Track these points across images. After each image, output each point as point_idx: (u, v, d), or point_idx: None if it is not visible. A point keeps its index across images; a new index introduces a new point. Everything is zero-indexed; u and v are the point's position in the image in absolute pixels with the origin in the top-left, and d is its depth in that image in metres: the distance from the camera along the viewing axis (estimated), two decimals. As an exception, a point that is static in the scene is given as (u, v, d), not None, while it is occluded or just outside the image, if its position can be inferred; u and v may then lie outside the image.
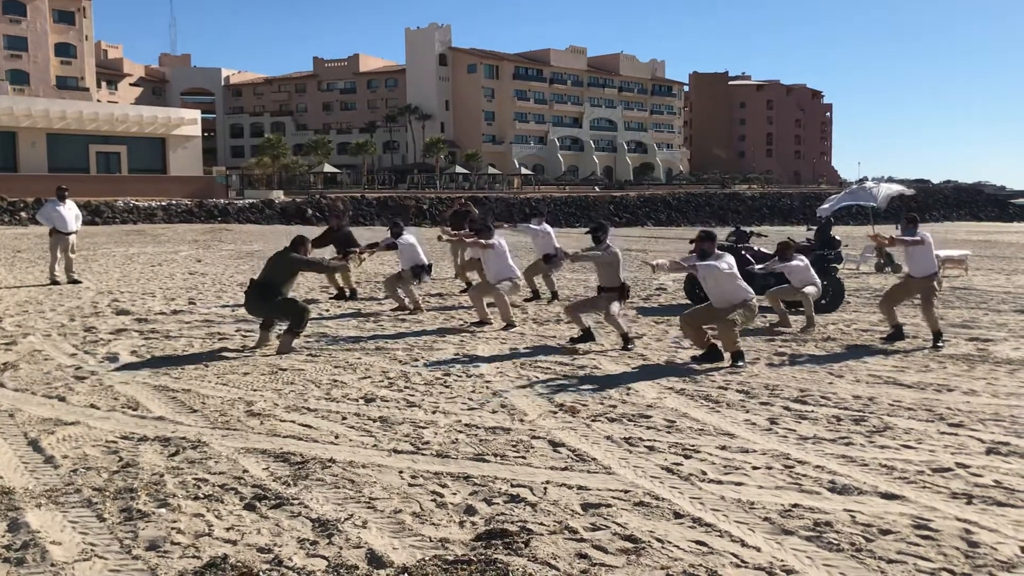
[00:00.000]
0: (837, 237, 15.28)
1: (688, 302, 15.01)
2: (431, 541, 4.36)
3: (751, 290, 9.45)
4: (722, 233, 16.22)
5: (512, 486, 5.18)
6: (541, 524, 4.57)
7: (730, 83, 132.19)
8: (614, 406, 7.24)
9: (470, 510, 4.78)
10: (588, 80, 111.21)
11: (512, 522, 4.60)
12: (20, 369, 8.68)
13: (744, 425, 6.63)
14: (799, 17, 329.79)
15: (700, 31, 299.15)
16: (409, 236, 13.56)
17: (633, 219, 72.73)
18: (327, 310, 13.61)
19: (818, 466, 5.59)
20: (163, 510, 4.76)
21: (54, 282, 17.18)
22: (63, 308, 13.39)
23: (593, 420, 6.77)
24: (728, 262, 9.18)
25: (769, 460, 5.72)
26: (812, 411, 7.12)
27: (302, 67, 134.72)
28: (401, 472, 5.42)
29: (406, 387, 7.93)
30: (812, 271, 12.44)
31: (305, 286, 16.98)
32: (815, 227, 16.02)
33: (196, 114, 69.94)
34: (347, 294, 15.14)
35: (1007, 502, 4.93)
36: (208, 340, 10.56)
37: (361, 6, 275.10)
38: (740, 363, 9.19)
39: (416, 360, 9.32)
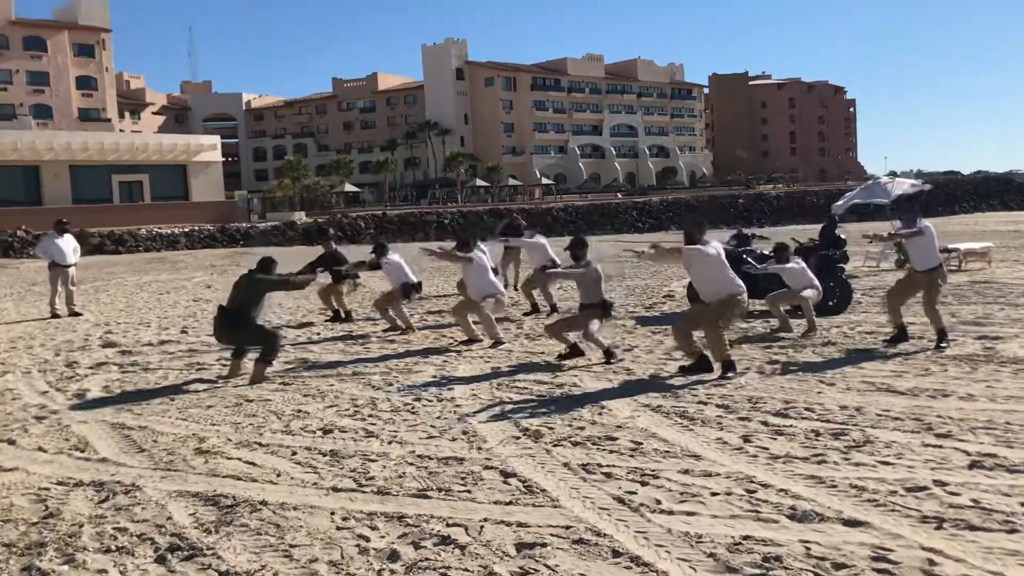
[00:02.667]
0: (843, 236, 14.79)
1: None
2: (339, 594, 4.02)
3: (742, 284, 8.99)
4: (724, 235, 15.79)
5: (447, 525, 4.82)
6: (465, 571, 4.21)
7: (750, 83, 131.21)
8: (582, 428, 6.87)
9: (393, 556, 4.43)
10: (606, 87, 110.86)
11: (435, 568, 4.25)
12: (-16, 410, 8.45)
13: (714, 445, 6.22)
14: (818, 13, 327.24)
15: (718, 33, 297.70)
16: (394, 255, 13.29)
17: (657, 224, 72.07)
18: (318, 333, 13.34)
19: (782, 490, 5.17)
20: (66, 567, 4.45)
21: (55, 315, 17.08)
22: (53, 343, 13.23)
23: (555, 445, 6.40)
24: (715, 247, 8.75)
25: (731, 485, 5.32)
26: (791, 426, 6.70)
27: (321, 88, 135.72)
28: (333, 513, 5.08)
29: (370, 415, 7.60)
30: (810, 274, 12.00)
31: (304, 308, 16.75)
32: (834, 225, 15.45)
33: (216, 139, 70.46)
34: (342, 316, 14.87)
35: (981, 525, 4.49)
36: (185, 371, 10.31)
37: (378, 25, 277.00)
38: (730, 374, 8.76)
39: (390, 385, 8.99)
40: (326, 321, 14.79)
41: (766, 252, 13.99)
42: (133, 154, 64.31)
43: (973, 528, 4.46)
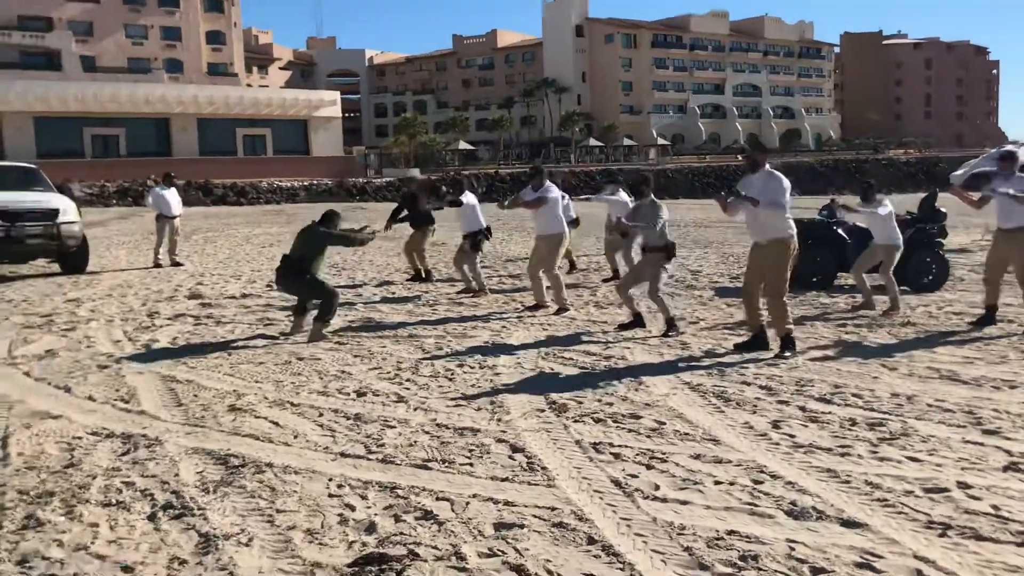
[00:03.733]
0: (943, 209, 13.97)
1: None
2: (302, 564, 4.04)
3: (793, 226, 8.47)
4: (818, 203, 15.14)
5: (436, 499, 4.79)
6: (434, 548, 4.17)
7: (885, 43, 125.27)
8: (610, 404, 6.71)
9: (371, 528, 4.43)
10: (730, 45, 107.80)
11: (405, 543, 4.22)
12: (57, 357, 8.87)
13: (739, 429, 5.98)
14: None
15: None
16: (471, 196, 13.25)
17: (777, 188, 70.03)
18: (393, 293, 13.49)
19: (790, 483, 4.93)
20: (63, 519, 4.62)
21: (157, 265, 17.84)
22: (146, 292, 13.80)
23: (576, 420, 6.27)
24: (783, 184, 8.23)
25: (738, 474, 5.09)
26: (830, 412, 6.37)
27: (442, 45, 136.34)
28: (331, 480, 5.12)
29: (408, 380, 7.62)
30: (894, 222, 11.26)
31: (393, 266, 16.97)
32: (935, 196, 14.63)
33: (336, 95, 71.84)
34: (422, 275, 14.98)
35: (989, 535, 4.16)
36: (254, 326, 10.58)
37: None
38: (787, 352, 8.41)
39: (440, 349, 9.00)
40: (407, 280, 14.95)
41: (859, 224, 13.35)
42: (257, 108, 66.19)
43: (979, 538, 4.14)
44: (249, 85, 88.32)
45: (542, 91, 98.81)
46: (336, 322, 10.72)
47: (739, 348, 8.77)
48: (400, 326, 10.40)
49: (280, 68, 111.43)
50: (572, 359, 8.42)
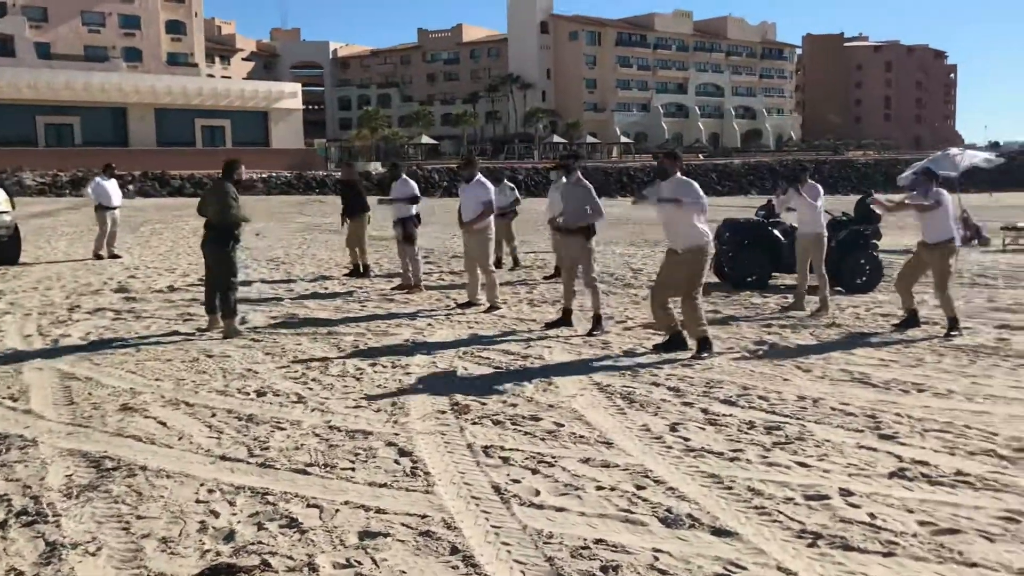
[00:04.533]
0: (878, 211, 14.00)
1: (715, 280, 14.12)
2: (146, 575, 3.86)
3: (709, 234, 8.42)
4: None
5: (306, 506, 4.63)
6: (288, 558, 4.01)
7: (846, 45, 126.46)
8: (514, 405, 6.58)
9: (230, 536, 4.26)
10: (694, 45, 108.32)
11: (260, 553, 4.05)
12: (-41, 353, 8.58)
13: (636, 432, 5.88)
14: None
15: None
16: (406, 178, 13.04)
17: (736, 187, 70.49)
18: (326, 288, 13.28)
19: (672, 488, 4.82)
20: (-91, 525, 4.40)
21: (98, 257, 17.44)
22: (73, 285, 13.46)
23: (474, 422, 6.13)
24: (694, 190, 8.17)
25: (623, 479, 4.98)
26: (730, 415, 6.29)
27: (407, 38, 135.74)
28: (203, 484, 4.93)
29: (314, 379, 7.44)
30: (820, 208, 11.20)
31: (334, 260, 16.72)
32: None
33: (297, 87, 71.13)
34: (360, 271, 14.77)
35: (858, 545, 4.08)
36: (173, 322, 10.33)
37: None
38: (704, 353, 8.34)
39: (356, 347, 8.83)
40: (344, 276, 14.73)
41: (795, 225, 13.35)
42: (216, 99, 65.37)
43: (847, 548, 4.05)
44: (211, 76, 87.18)
45: (507, 87, 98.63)
46: (258, 318, 10.53)
47: (658, 349, 8.68)
48: (323, 323, 10.20)
49: (243, 59, 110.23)
50: (489, 358, 8.29)
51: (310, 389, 7.11)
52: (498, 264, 15.91)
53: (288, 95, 68.93)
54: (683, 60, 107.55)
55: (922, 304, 10.76)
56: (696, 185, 8.34)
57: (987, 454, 5.42)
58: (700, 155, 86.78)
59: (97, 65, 69.61)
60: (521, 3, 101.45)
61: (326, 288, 13.26)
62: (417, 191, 12.99)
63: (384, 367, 7.91)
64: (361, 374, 7.64)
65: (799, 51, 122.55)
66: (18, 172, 49.46)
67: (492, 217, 11.22)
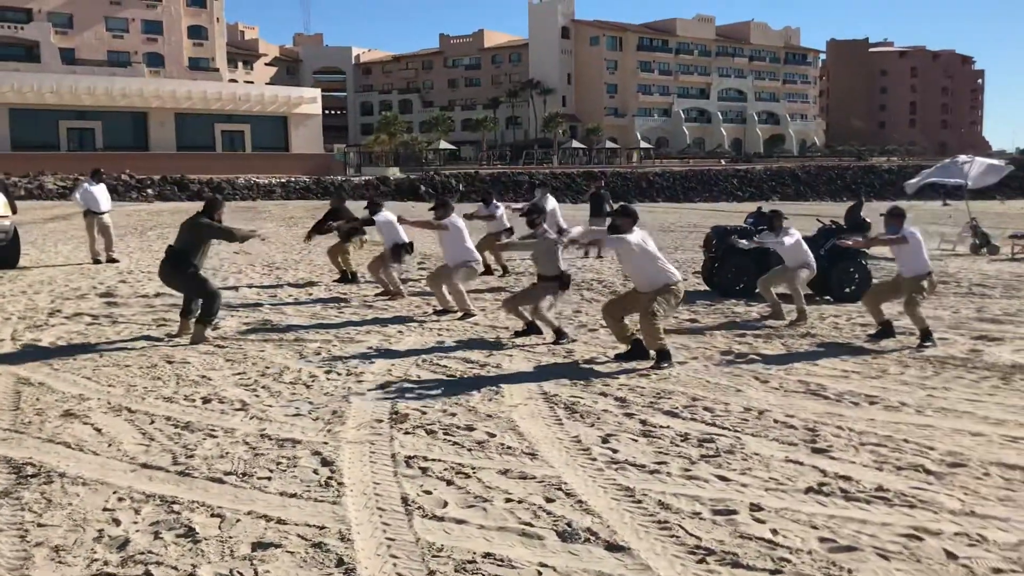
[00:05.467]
0: (868, 220, 13.87)
1: (704, 288, 14.03)
2: (25, 585, 3.87)
3: (675, 273, 8.43)
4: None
5: (210, 515, 4.62)
6: (172, 568, 4.00)
7: (871, 50, 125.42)
8: (453, 414, 6.55)
9: (123, 545, 4.26)
10: (716, 50, 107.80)
11: (146, 563, 4.05)
12: (-73, 357, 8.67)
13: (566, 443, 5.83)
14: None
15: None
16: (388, 214, 13.06)
17: (758, 193, 69.93)
18: (310, 294, 13.31)
19: (580, 501, 4.77)
20: None
21: (96, 261, 17.58)
22: (62, 289, 13.57)
23: (407, 432, 6.11)
24: (640, 238, 8.20)
25: (535, 491, 4.94)
26: (668, 427, 6.22)
27: (429, 44, 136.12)
28: (116, 492, 4.94)
29: (264, 387, 7.44)
30: (805, 248, 11.21)
31: (325, 267, 16.76)
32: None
33: (317, 93, 71.55)
34: (348, 277, 14.80)
35: (748, 563, 4.01)
36: (147, 327, 10.38)
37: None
38: (664, 364, 8.27)
39: (318, 354, 8.83)
40: (334, 281, 14.76)
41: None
42: (236, 104, 65.89)
43: (736, 565, 3.99)
44: (234, 80, 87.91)
45: (527, 92, 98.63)
46: (232, 324, 10.57)
47: (619, 358, 8.63)
48: (293, 329, 10.22)
49: (266, 64, 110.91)
50: (446, 366, 8.26)
51: (257, 396, 7.11)
52: (488, 271, 15.90)
53: (308, 100, 69.36)
54: (705, 65, 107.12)
55: (902, 315, 10.62)
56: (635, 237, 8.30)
57: (915, 469, 5.33)
58: (722, 161, 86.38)
59: (120, 70, 70.49)
60: (542, 9, 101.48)
61: (311, 294, 13.29)
62: (402, 236, 12.81)
63: (339, 375, 7.90)
64: (313, 381, 7.63)
65: (823, 56, 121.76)
66: (40, 176, 50.08)
67: (475, 254, 11.38)
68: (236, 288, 13.69)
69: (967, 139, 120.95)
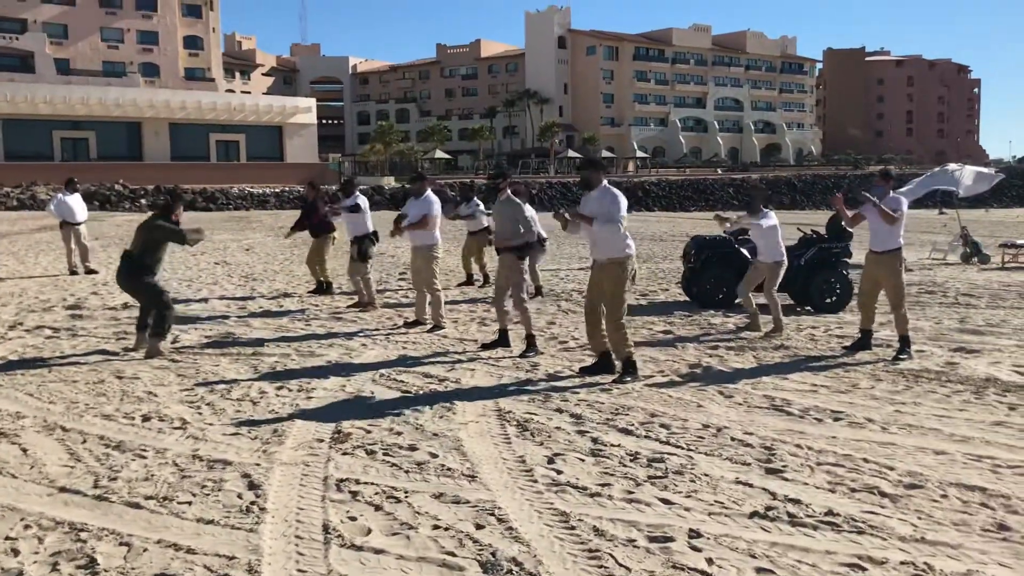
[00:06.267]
0: (850, 229, 13.60)
1: (685, 299, 13.79)
2: (-102, 622, 3.61)
3: (632, 246, 8.08)
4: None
5: (118, 544, 4.36)
6: (61, 603, 3.75)
7: (867, 59, 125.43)
8: (400, 433, 6.29)
9: (15, 577, 4.00)
10: (713, 59, 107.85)
11: (35, 598, 3.80)
12: None
13: (510, 463, 5.57)
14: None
15: (835, 5, 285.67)
16: (359, 199, 12.82)
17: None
18: (280, 305, 13.06)
19: (511, 528, 4.52)
20: None
21: (73, 272, 17.36)
22: (31, 302, 13.33)
23: (347, 452, 5.85)
24: (618, 201, 7.87)
25: (467, 516, 4.68)
26: (619, 446, 5.97)
27: (426, 54, 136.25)
28: (24, 519, 4.68)
29: (209, 403, 7.18)
30: (779, 236, 10.91)
31: (304, 278, 16.52)
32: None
33: (312, 103, 71.42)
34: (324, 288, 14.55)
35: (675, 598, 3.76)
36: (106, 340, 10.13)
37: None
38: (627, 378, 8.01)
39: (273, 368, 8.58)
40: (308, 293, 14.53)
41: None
42: (231, 114, 65.74)
43: (661, 600, 3.74)
44: (231, 91, 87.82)
45: (524, 101, 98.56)
46: (193, 337, 10.33)
47: (583, 372, 8.38)
48: (254, 343, 9.96)
49: (263, 74, 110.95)
50: (403, 381, 8.01)
51: (199, 414, 6.86)
52: (470, 281, 15.69)
53: (303, 110, 69.25)
54: (702, 74, 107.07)
55: (888, 323, 10.36)
56: (620, 196, 8.04)
57: (870, 491, 5.07)
58: (718, 170, 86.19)
59: (114, 80, 70.30)
60: (539, 19, 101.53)
61: (281, 306, 13.04)
62: (362, 204, 12.71)
63: (289, 391, 7.65)
64: (262, 398, 7.38)
65: (819, 65, 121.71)
66: (33, 186, 49.89)
67: (438, 236, 10.94)
68: (207, 300, 13.44)
69: (963, 148, 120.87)
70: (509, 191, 9.49)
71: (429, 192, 10.93)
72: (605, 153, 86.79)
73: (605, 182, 8.14)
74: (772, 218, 10.84)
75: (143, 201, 50.60)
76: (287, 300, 13.63)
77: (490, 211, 15.37)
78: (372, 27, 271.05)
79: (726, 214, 12.99)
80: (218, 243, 26.01)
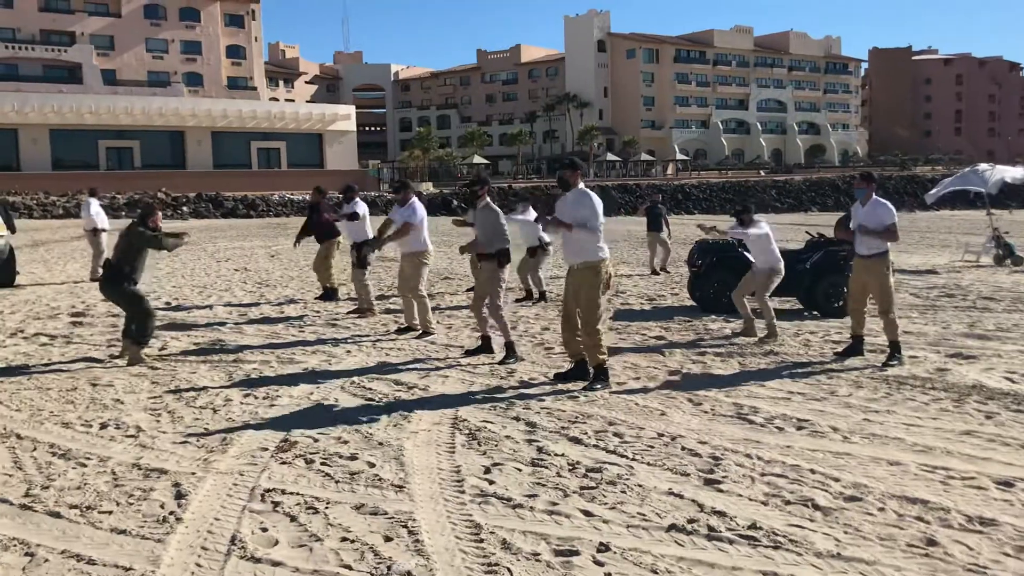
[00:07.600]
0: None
1: (692, 304, 13.60)
2: None
3: (606, 251, 7.94)
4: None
5: (23, 554, 4.35)
6: (-57, 614, 3.74)
7: (914, 58, 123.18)
8: (346, 442, 6.24)
9: (-89, 587, 4.01)
10: (755, 60, 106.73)
11: (-80, 608, 3.80)
12: None
13: (443, 474, 5.48)
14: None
15: (881, 5, 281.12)
16: (357, 206, 12.82)
17: (796, 204, 68.84)
18: (281, 311, 13.11)
19: (419, 540, 4.42)
20: None
21: (94, 279, 17.61)
22: (40, 308, 13.54)
23: (286, 462, 5.80)
24: (593, 204, 7.76)
25: (380, 528, 4.60)
26: (563, 455, 5.84)
27: (466, 60, 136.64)
28: (-59, 529, 4.71)
29: (171, 411, 7.20)
30: (775, 246, 10.73)
31: (311, 285, 16.59)
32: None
33: (351, 110, 72.04)
34: (329, 294, 14.58)
35: (556, 616, 3.64)
36: (97, 348, 10.24)
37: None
38: (597, 385, 7.88)
39: (248, 376, 8.58)
40: (316, 298, 14.57)
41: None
42: (272, 122, 66.55)
43: (543, 618, 3.62)
44: (275, 99, 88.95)
45: (564, 105, 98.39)
46: (182, 343, 10.39)
47: (558, 378, 8.26)
48: (239, 350, 9.98)
49: (306, 82, 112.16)
50: (372, 389, 7.96)
51: (157, 422, 6.87)
52: (529, 296, 15.32)
53: (342, 117, 69.87)
54: (744, 76, 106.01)
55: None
56: (595, 198, 7.91)
57: (804, 504, 4.90)
58: (761, 171, 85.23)
59: (159, 90, 71.63)
60: (578, 22, 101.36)
61: (282, 312, 13.09)
62: (360, 211, 12.73)
63: (255, 398, 7.64)
64: (225, 405, 7.37)
65: (865, 65, 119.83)
66: (78, 195, 50.88)
67: (428, 243, 10.89)
68: (211, 307, 13.55)
69: (1015, 147, 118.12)
70: (488, 199, 9.43)
71: (414, 200, 10.91)
72: (645, 156, 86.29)
73: (582, 184, 8.01)
74: (763, 227, 10.65)
75: (185, 208, 51.30)
76: (290, 307, 13.68)
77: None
78: (414, 34, 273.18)
79: (709, 224, 12.77)
80: (247, 249, 26.26)
